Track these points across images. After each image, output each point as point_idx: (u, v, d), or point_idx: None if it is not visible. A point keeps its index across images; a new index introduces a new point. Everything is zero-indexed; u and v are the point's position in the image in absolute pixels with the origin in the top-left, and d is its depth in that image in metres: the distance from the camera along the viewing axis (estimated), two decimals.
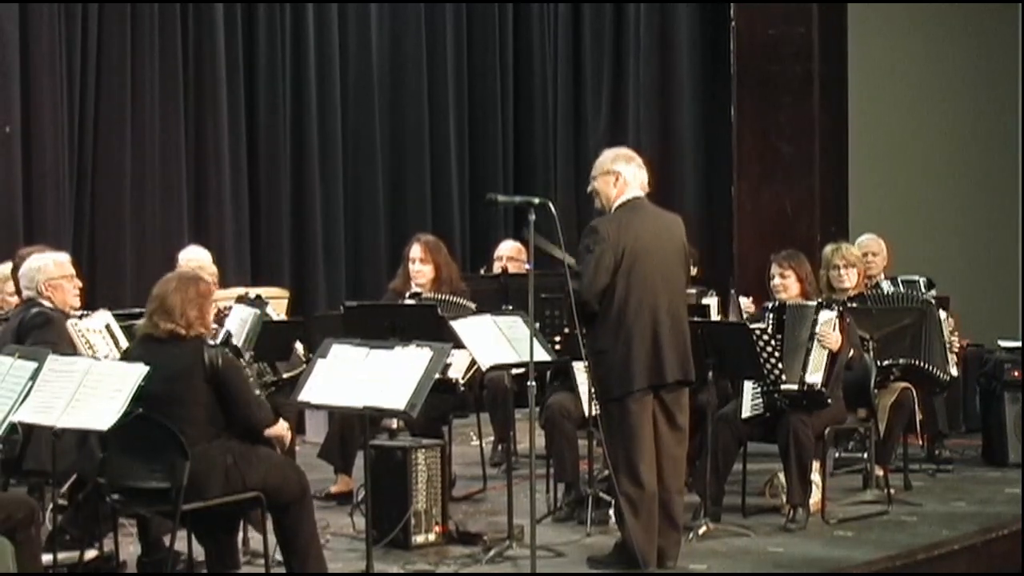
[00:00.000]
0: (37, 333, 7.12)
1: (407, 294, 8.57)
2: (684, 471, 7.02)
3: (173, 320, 6.23)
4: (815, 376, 7.65)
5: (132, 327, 7.54)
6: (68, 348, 7.00)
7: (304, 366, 8.11)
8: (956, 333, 8.96)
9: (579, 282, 6.59)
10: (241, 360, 6.58)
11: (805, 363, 7.65)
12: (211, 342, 6.39)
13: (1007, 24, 11.63)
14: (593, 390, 6.98)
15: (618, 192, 6.79)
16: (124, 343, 7.38)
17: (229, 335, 7.37)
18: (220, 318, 8.11)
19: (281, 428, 6.43)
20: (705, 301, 8.53)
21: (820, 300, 7.87)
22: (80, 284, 7.62)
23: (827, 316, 7.72)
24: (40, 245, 8.12)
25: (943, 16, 11.87)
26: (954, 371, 8.89)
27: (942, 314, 8.80)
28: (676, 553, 6.81)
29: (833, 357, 7.70)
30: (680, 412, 6.84)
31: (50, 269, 7.40)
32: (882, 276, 9.28)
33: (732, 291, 8.97)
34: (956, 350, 8.91)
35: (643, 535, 6.62)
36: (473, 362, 7.92)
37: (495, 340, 7.23)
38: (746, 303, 8.95)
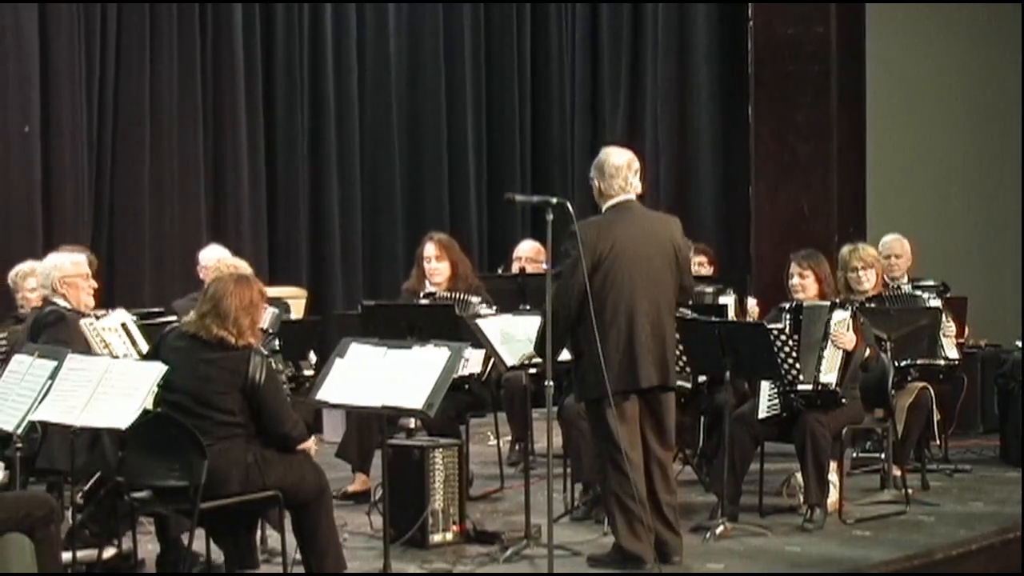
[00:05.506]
0: (50, 331, 7.15)
1: (422, 294, 8.58)
2: (672, 473, 6.95)
3: (225, 327, 6.12)
4: (829, 376, 7.63)
5: (150, 327, 7.59)
6: (81, 347, 7.00)
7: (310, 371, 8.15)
8: (948, 316, 8.88)
9: (557, 286, 6.54)
10: (279, 366, 6.49)
11: (819, 363, 7.62)
12: (259, 350, 6.27)
13: None
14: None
15: (607, 195, 6.78)
16: (141, 342, 7.39)
17: (273, 336, 7.31)
18: None
19: (311, 443, 6.41)
20: (723, 300, 8.51)
21: (834, 300, 7.84)
22: (95, 285, 7.64)
23: (840, 316, 7.70)
24: (72, 245, 8.17)
25: (961, 16, 11.85)
26: (952, 353, 8.79)
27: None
28: (680, 551, 6.79)
29: (848, 357, 7.68)
30: (667, 414, 6.78)
31: (66, 267, 7.43)
32: (905, 279, 9.22)
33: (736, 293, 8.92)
34: (950, 334, 8.84)
35: (631, 533, 6.60)
36: (488, 358, 7.94)
37: (517, 339, 7.23)
38: (752, 305, 8.92)
